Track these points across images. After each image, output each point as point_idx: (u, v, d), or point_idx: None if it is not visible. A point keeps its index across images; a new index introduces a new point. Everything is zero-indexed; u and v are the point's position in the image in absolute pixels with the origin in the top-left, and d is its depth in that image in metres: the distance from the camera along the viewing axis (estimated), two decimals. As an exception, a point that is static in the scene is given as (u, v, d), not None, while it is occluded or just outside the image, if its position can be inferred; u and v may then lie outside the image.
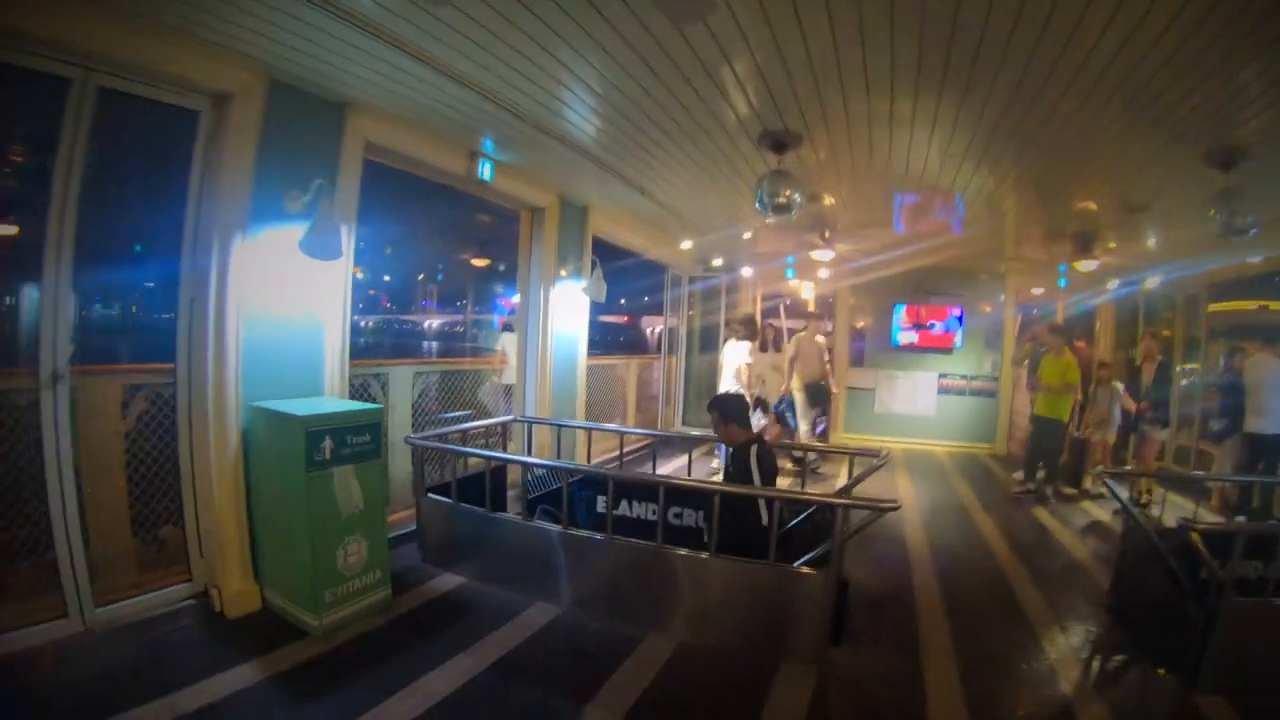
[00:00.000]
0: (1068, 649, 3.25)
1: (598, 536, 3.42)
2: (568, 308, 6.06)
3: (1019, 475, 6.81)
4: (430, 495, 4.01)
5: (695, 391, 9.65)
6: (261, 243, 3.27)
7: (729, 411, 3.67)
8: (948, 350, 9.34)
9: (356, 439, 3.16)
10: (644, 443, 6.93)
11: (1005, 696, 2.85)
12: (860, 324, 10.37)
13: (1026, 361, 7.77)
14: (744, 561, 3.09)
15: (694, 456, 6.17)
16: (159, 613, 3.04)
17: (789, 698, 2.75)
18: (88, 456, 2.93)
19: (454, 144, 4.41)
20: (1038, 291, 9.31)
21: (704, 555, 3.14)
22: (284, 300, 3.42)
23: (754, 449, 3.46)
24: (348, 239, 3.68)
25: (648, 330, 9.84)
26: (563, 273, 5.92)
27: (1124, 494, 3.77)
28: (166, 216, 3.19)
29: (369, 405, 3.34)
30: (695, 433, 8.96)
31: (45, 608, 2.75)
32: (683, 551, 3.21)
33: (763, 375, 7.38)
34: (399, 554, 4.09)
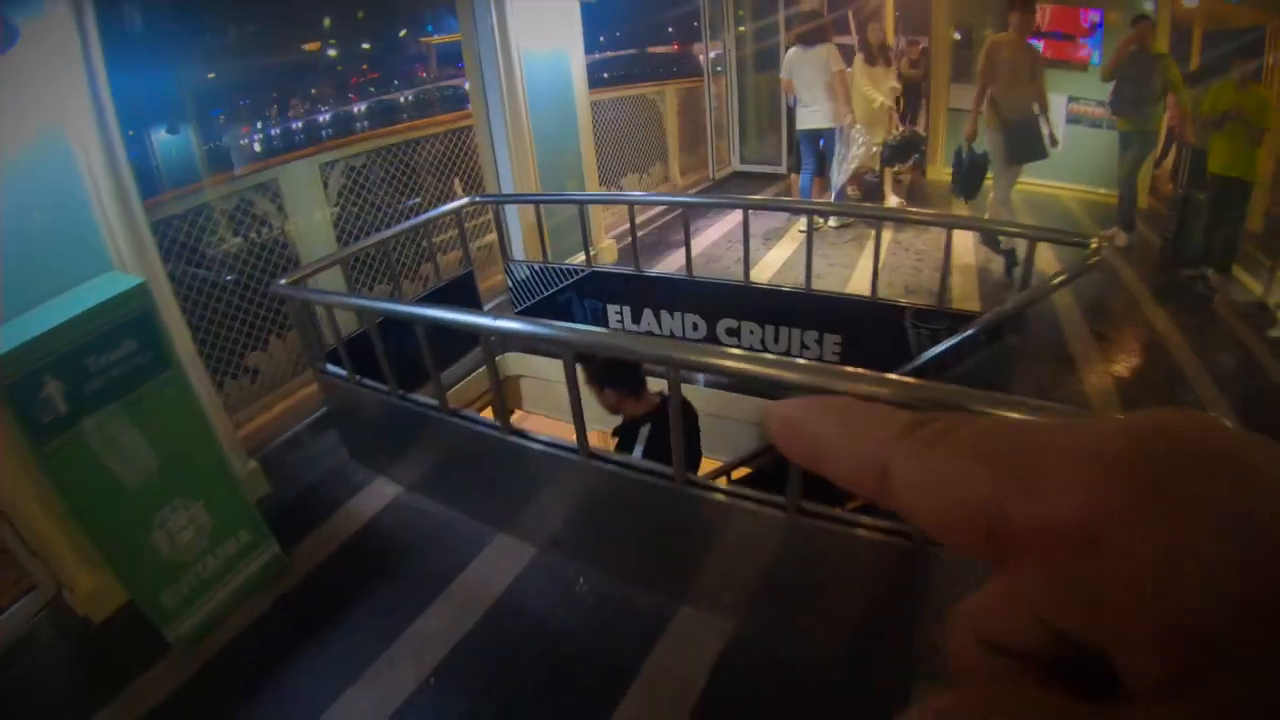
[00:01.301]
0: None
1: (566, 452, 1.94)
2: (542, 17, 3.93)
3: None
4: (329, 369, 2.61)
5: (754, 118, 7.51)
6: None
7: (602, 372, 2.13)
8: (1081, 67, 6.66)
9: (108, 357, 1.72)
10: (689, 199, 4.93)
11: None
12: (961, 28, 7.56)
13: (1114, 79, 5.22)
14: (852, 526, 1.63)
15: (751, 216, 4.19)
16: (19, 634, 2.11)
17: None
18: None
19: None
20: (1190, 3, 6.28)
21: (774, 509, 1.68)
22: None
23: (645, 430, 2.03)
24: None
25: (699, 58, 7.65)
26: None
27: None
28: None
29: (121, 287, 1.79)
30: (751, 176, 7.02)
31: None
32: (721, 497, 1.80)
33: (879, 100, 5.19)
34: (327, 443, 2.96)
